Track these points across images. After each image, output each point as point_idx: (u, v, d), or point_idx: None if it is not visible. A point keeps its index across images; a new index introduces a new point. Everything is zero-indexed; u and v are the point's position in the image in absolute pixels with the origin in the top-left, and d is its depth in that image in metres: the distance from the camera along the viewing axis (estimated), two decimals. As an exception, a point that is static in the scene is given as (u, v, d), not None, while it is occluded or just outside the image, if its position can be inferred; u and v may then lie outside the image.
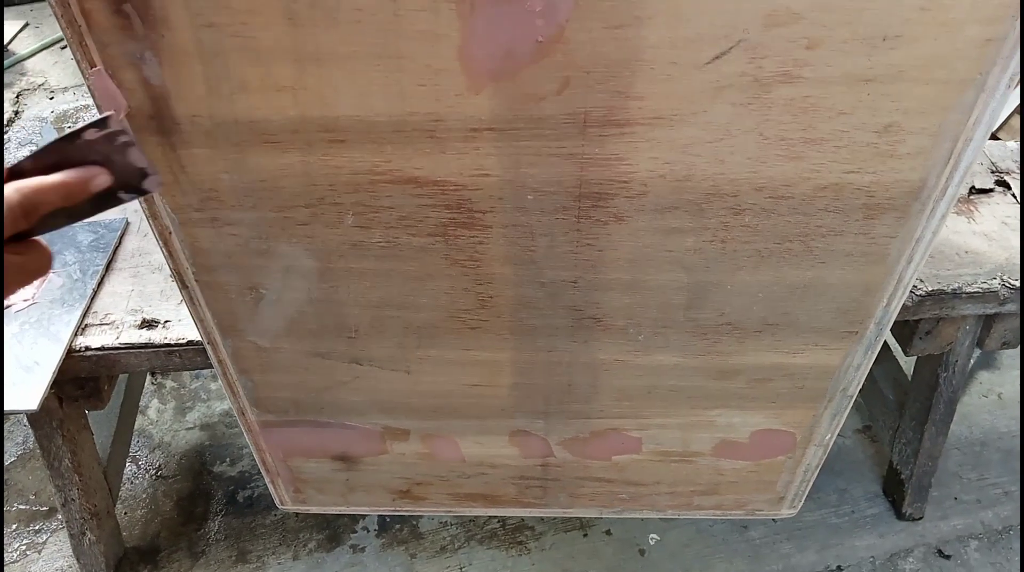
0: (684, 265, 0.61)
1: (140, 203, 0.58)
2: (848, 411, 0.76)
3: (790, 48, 0.47)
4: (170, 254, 0.62)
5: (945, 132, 0.51)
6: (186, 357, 1.08)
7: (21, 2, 3.03)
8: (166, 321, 1.11)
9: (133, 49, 0.49)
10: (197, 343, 1.02)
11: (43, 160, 0.45)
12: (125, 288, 1.26)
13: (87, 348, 1.07)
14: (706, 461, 0.81)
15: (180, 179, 0.56)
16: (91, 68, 0.49)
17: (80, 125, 0.45)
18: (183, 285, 0.64)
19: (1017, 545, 1.45)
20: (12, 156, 2.36)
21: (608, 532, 1.45)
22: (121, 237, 1.34)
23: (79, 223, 1.46)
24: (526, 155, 0.54)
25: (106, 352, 1.07)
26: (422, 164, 0.55)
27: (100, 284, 1.27)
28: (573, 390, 0.73)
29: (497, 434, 0.79)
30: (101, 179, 0.47)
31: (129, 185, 0.48)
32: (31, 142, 2.43)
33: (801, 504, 0.89)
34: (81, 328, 1.12)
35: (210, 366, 1.05)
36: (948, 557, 1.45)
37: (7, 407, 1.03)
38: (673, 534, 1.43)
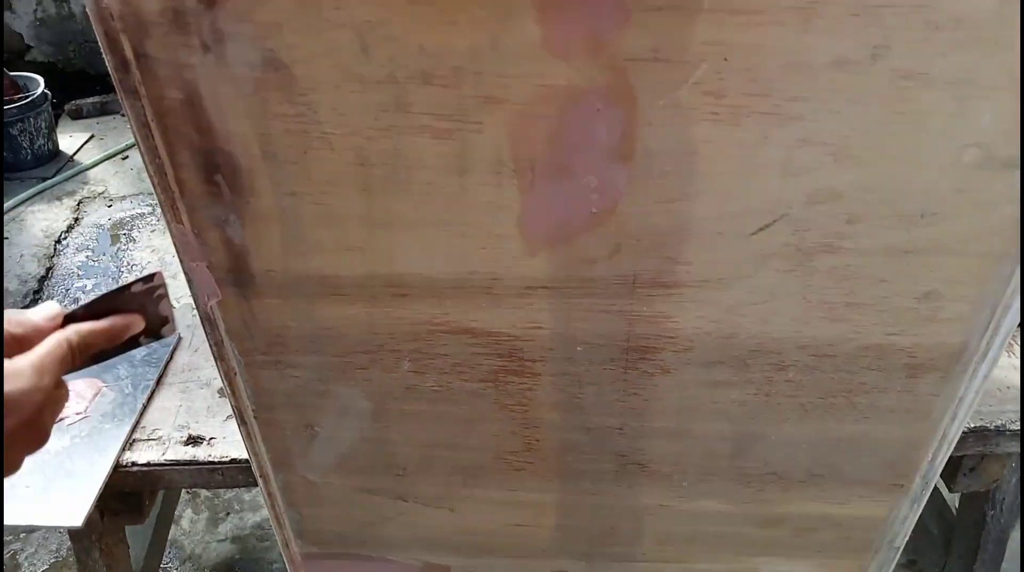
0: (729, 416, 0.62)
1: (210, 346, 0.61)
2: (895, 562, 0.74)
3: (832, 222, 0.50)
4: (233, 393, 0.64)
5: (984, 300, 0.53)
6: (228, 475, 1.10)
7: (89, 116, 3.21)
8: (211, 438, 1.14)
9: (219, 213, 0.53)
10: (240, 461, 1.03)
11: (95, 309, 0.54)
12: (174, 403, 1.29)
13: (133, 463, 1.09)
14: (750, 608, 0.80)
15: (250, 325, 0.59)
16: (177, 224, 0.54)
17: (130, 280, 0.55)
18: (242, 422, 0.67)
19: None
20: (70, 261, 2.46)
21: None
22: (173, 352, 1.38)
23: None
24: (577, 311, 0.57)
25: (152, 468, 1.09)
26: (478, 317, 0.58)
27: (150, 398, 1.30)
28: (616, 533, 0.73)
29: (538, 574, 0.78)
30: (138, 325, 0.55)
31: (151, 332, 0.56)
32: (87, 247, 2.53)
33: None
34: (129, 443, 1.14)
35: (251, 484, 1.06)
36: None
37: (53, 522, 1.05)
38: None
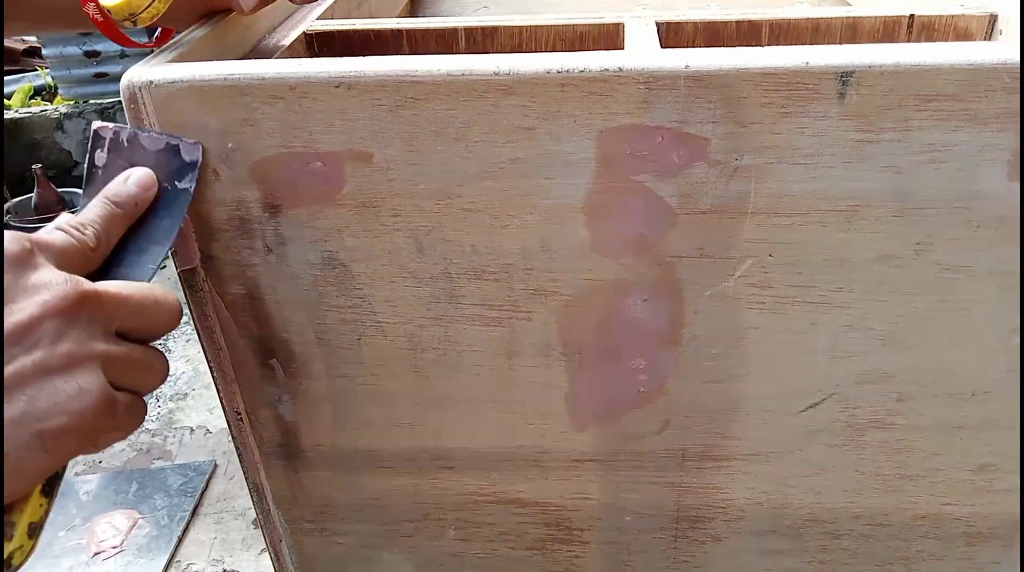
0: (782, 583, 0.61)
1: (256, 514, 0.62)
2: None
3: (881, 401, 0.50)
4: (277, 559, 0.64)
5: (1042, 472, 0.53)
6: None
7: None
8: (243, 575, 1.12)
9: (273, 393, 0.54)
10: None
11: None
12: (209, 536, 1.28)
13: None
14: None
15: (297, 496, 0.60)
16: (231, 406, 0.55)
17: (88, 158, 0.45)
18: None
19: None
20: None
21: None
22: (208, 480, 1.38)
23: (170, 465, 1.50)
24: (626, 483, 0.56)
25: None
26: (525, 488, 0.58)
27: (185, 530, 1.29)
28: None
29: None
30: (136, 174, 0.44)
31: (172, 169, 0.45)
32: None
33: None
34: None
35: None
36: None
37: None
38: None
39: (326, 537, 0.62)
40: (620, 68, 0.40)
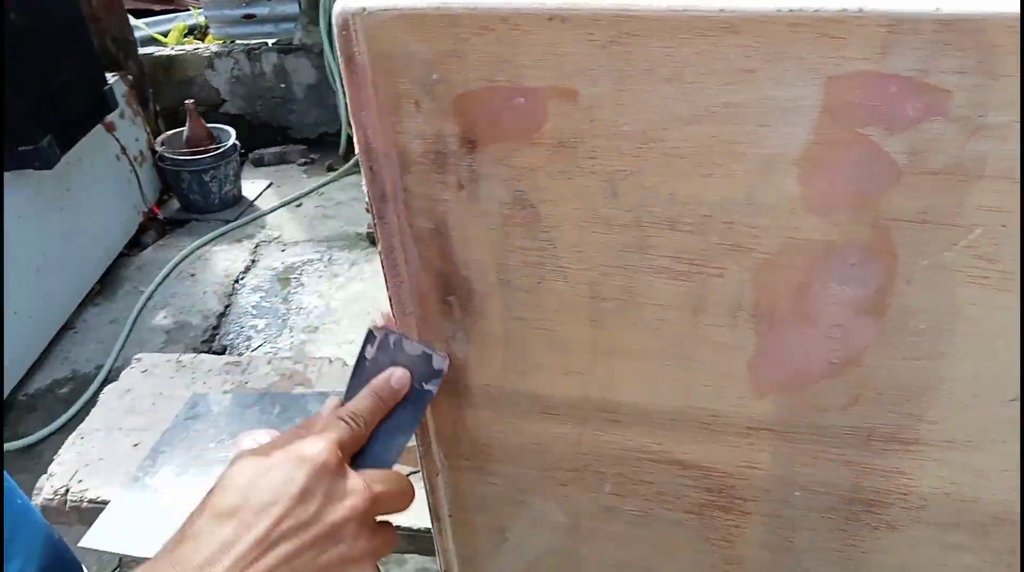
0: (959, 580, 0.57)
1: (417, 448, 0.63)
2: None
3: (1112, 396, 0.45)
4: (432, 491, 0.66)
5: None
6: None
7: (269, 164, 3.47)
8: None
9: (448, 329, 0.55)
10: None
11: (354, 394, 0.55)
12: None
13: None
14: None
15: (459, 433, 0.61)
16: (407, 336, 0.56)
17: (357, 353, 0.55)
18: (436, 519, 0.68)
19: None
20: (246, 300, 2.64)
21: None
22: (347, 411, 1.43)
23: (311, 392, 1.55)
24: (800, 457, 0.54)
25: None
26: (691, 450, 0.56)
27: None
28: None
29: None
30: (398, 375, 0.55)
31: (423, 373, 0.55)
32: (261, 288, 2.71)
33: None
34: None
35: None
36: None
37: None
38: None
39: (481, 477, 0.63)
40: (860, 9, 0.37)
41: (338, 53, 0.45)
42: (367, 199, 0.50)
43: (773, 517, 0.58)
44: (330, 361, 1.54)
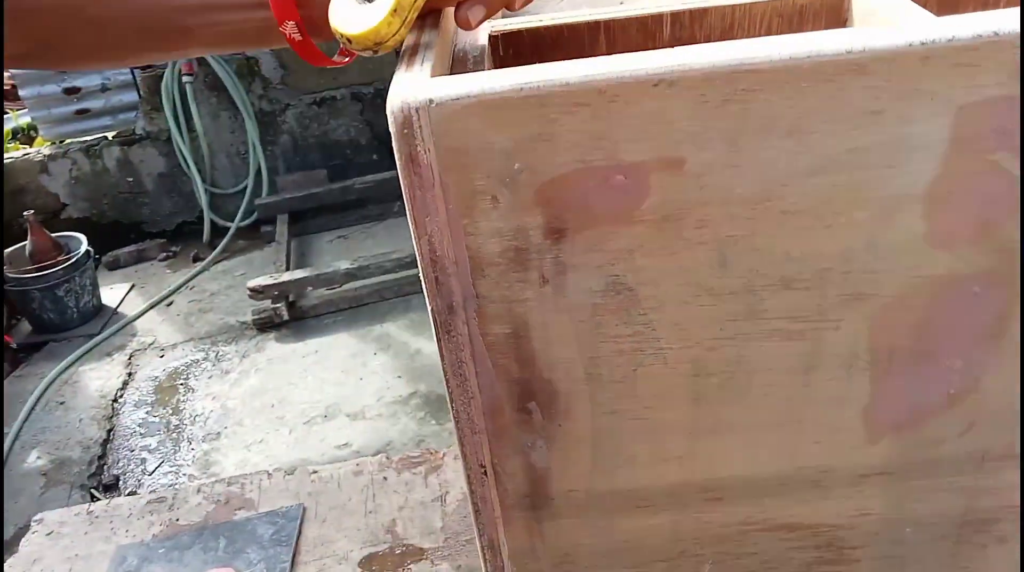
0: (1067, 579, 0.56)
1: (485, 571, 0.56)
2: None
3: None
4: (503, 616, 0.58)
5: None
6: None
7: (126, 265, 3.21)
8: (367, 618, 1.06)
9: (526, 440, 0.48)
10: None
11: None
12: (315, 584, 1.21)
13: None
14: None
15: (537, 548, 0.54)
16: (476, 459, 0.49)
17: None
18: (508, 643, 0.60)
19: None
20: (129, 419, 2.40)
21: None
22: (300, 525, 1.31)
23: (256, 515, 1.42)
24: (913, 493, 0.51)
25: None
26: (799, 512, 0.52)
27: (290, 583, 1.22)
28: None
29: None
30: None
31: None
32: (145, 402, 2.47)
33: None
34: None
35: None
36: None
37: None
38: None
39: (563, 588, 0.57)
40: (996, 32, 0.35)
41: (396, 153, 0.38)
42: (430, 309, 0.43)
43: (882, 559, 0.55)
44: (268, 474, 1.40)
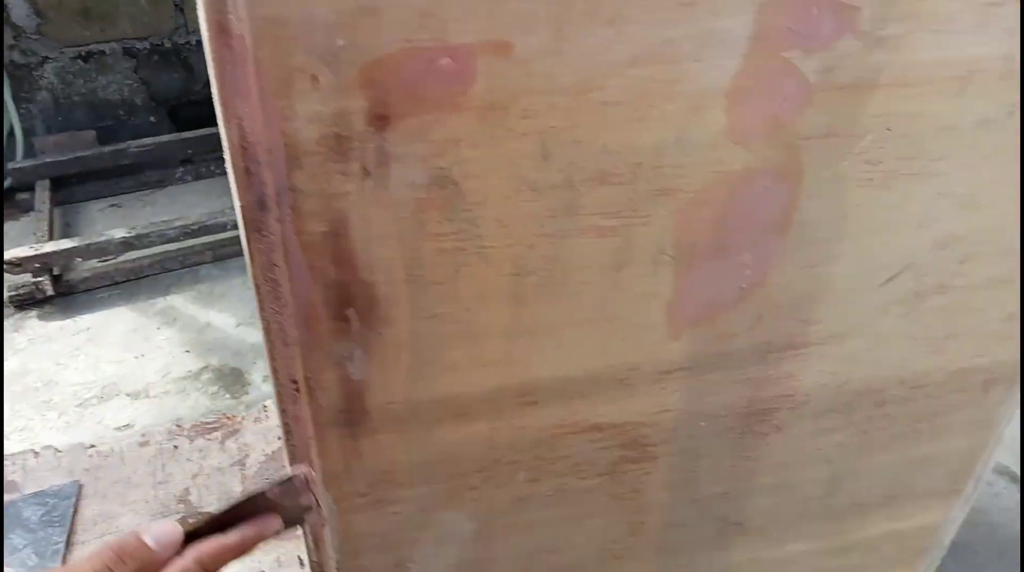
0: (828, 459, 0.64)
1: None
2: (940, 558, 0.80)
3: (948, 265, 0.53)
4: (316, 547, 0.56)
5: (1053, 313, 0.59)
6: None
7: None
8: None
9: (343, 349, 0.46)
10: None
11: (222, 519, 0.44)
12: (98, 563, 1.10)
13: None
14: (813, 635, 0.82)
15: (353, 468, 0.52)
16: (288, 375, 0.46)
17: (265, 485, 0.45)
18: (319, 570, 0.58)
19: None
20: None
21: None
22: (76, 503, 1.19)
23: (20, 497, 1.30)
24: (708, 387, 0.55)
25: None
26: (607, 411, 0.55)
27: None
28: (704, 596, 0.72)
29: (621, 657, 0.75)
30: (273, 526, 0.46)
31: (290, 522, 0.47)
32: None
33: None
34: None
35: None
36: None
37: None
38: None
39: (379, 509, 0.56)
40: (789, -71, 0.38)
41: (202, 21, 0.34)
42: (238, 206, 0.40)
43: (679, 454, 0.59)
44: (35, 453, 1.25)
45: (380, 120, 0.38)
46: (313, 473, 0.46)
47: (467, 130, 0.39)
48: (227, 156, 0.38)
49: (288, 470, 0.46)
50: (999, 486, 1.79)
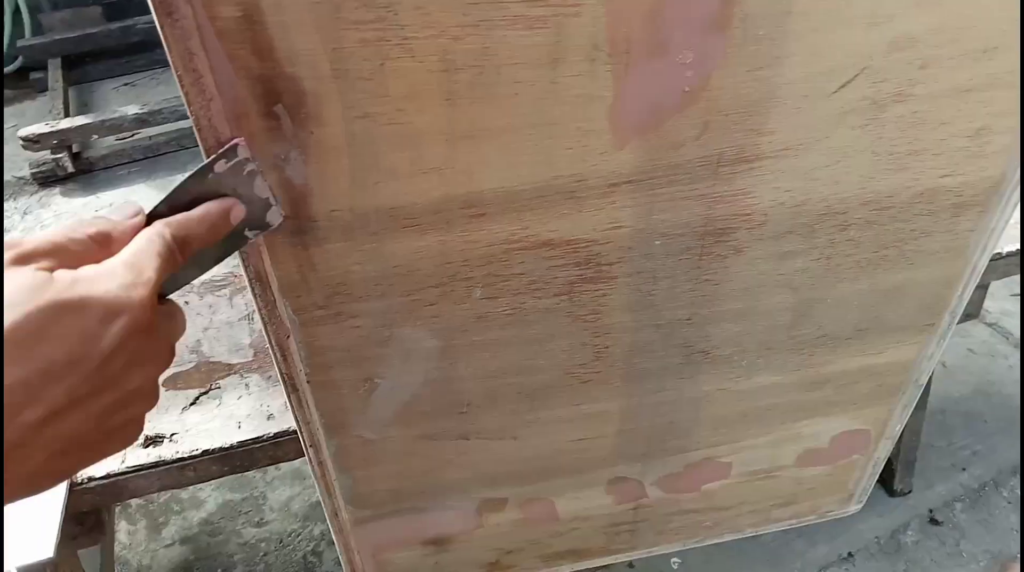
0: (792, 286, 0.64)
1: (258, 310, 0.55)
2: (917, 400, 0.80)
3: (906, 70, 0.51)
4: (284, 358, 0.59)
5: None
6: (201, 469, 1.01)
7: None
8: (172, 434, 1.05)
9: (278, 150, 0.47)
10: (212, 452, 0.96)
11: (177, 200, 0.45)
12: None
13: (90, 478, 0.98)
14: (789, 473, 0.84)
15: (308, 278, 0.54)
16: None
17: (209, 158, 0.45)
18: (292, 389, 0.61)
19: (996, 500, 1.55)
20: None
21: (630, 564, 1.45)
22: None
23: None
24: (659, 202, 0.55)
25: (112, 479, 0.99)
26: (557, 226, 0.55)
27: None
28: (674, 428, 0.74)
29: (595, 486, 0.78)
30: (237, 210, 0.46)
31: (254, 219, 0.48)
32: None
33: (867, 497, 0.92)
34: None
35: (227, 473, 0.99)
36: (940, 523, 1.54)
37: (21, 560, 0.93)
38: (692, 554, 1.45)
39: (340, 323, 0.57)
40: None
41: None
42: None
43: (636, 274, 0.60)
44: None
45: None
46: (250, 155, 0.46)
47: (373, -99, 0.38)
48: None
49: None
50: (1013, 358, 1.78)
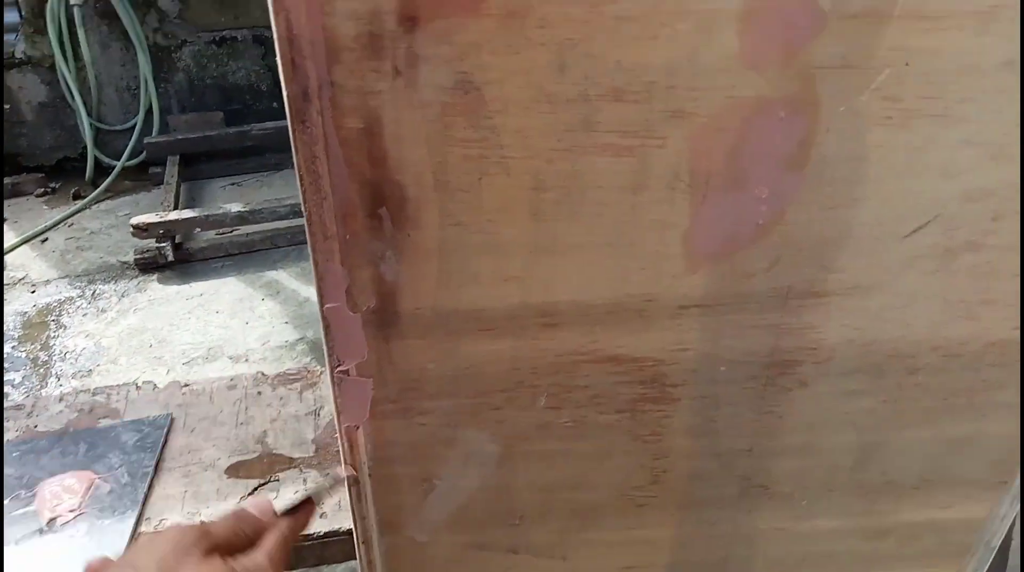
0: (857, 426, 0.63)
1: (334, 400, 0.58)
2: (988, 564, 0.76)
3: (979, 220, 0.53)
4: (351, 448, 0.61)
5: (1103, 288, 0.57)
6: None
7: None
8: (228, 522, 1.05)
9: (377, 249, 0.51)
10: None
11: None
12: (178, 489, 1.20)
13: None
14: (848, 629, 0.80)
15: (384, 371, 0.57)
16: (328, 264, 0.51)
17: (298, 501, 0.59)
18: (354, 481, 0.63)
19: None
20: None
21: None
22: (167, 434, 1.29)
23: (120, 423, 1.41)
24: (727, 328, 0.57)
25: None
26: (625, 342, 0.57)
27: (151, 487, 1.21)
28: (728, 564, 0.72)
29: (643, 617, 0.76)
30: (315, 514, 0.60)
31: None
32: (10, 337, 2.35)
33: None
34: (135, 537, 1.05)
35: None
36: None
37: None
38: None
39: (408, 419, 0.60)
40: None
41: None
42: (286, 96, 0.45)
43: (699, 398, 0.61)
44: (137, 386, 1.37)
45: (409, 21, 0.43)
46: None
47: (487, 35, 0.43)
48: (277, 48, 0.43)
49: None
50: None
